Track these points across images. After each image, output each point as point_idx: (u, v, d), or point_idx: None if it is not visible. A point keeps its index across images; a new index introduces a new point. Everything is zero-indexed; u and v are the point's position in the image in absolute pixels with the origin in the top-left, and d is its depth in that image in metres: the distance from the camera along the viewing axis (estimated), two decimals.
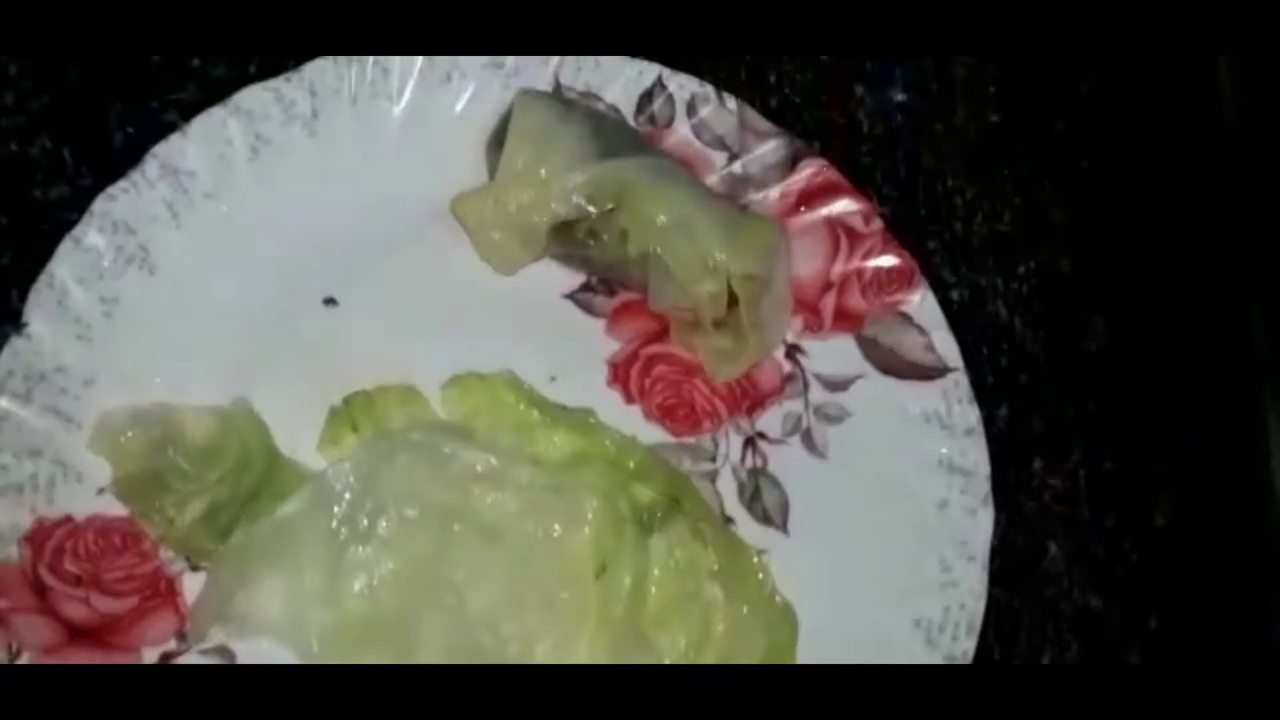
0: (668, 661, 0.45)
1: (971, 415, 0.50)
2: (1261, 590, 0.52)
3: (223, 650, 0.43)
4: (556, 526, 0.46)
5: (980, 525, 0.48)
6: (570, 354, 0.50)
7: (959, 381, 0.50)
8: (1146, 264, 0.58)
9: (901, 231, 0.53)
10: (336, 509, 0.45)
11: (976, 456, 0.49)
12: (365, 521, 0.45)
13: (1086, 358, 0.56)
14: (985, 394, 0.52)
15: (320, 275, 0.49)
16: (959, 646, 0.46)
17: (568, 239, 0.49)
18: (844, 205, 0.52)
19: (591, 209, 0.48)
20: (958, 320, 0.52)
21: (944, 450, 0.49)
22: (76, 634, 0.42)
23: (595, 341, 0.51)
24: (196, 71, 0.52)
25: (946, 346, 0.50)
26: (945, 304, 0.53)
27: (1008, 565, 0.51)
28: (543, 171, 0.48)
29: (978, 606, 0.47)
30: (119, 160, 0.49)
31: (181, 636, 0.43)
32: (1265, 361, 0.54)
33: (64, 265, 0.46)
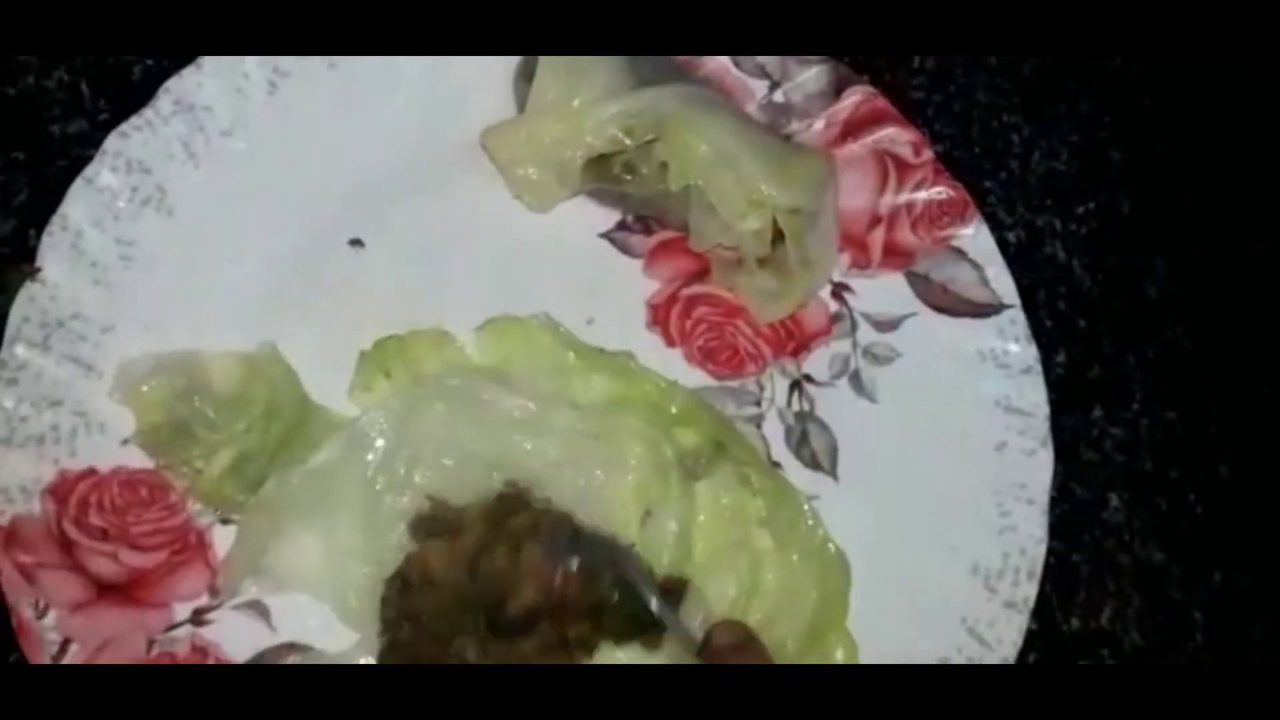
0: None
1: (1029, 353, 0.47)
2: None
3: (257, 605, 0.42)
4: (599, 473, 0.44)
5: (1040, 467, 0.46)
6: (607, 296, 0.48)
7: (1015, 319, 0.48)
8: (1209, 206, 0.55)
9: (955, 169, 0.51)
10: (371, 458, 0.43)
11: (1035, 397, 0.47)
12: (402, 470, 0.43)
13: (1147, 302, 0.54)
14: (1042, 338, 0.50)
15: (345, 215, 0.47)
16: (1020, 592, 0.44)
17: (603, 173, 0.47)
18: (893, 135, 0.50)
19: (629, 141, 0.46)
20: (1014, 262, 0.50)
21: (1000, 390, 0.47)
22: (105, 590, 0.40)
23: (633, 282, 0.49)
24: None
25: (1002, 282, 0.48)
26: (1001, 245, 0.50)
27: (1067, 516, 0.49)
28: (575, 102, 0.46)
29: (1038, 551, 0.45)
30: (138, 94, 0.46)
31: (214, 591, 0.41)
32: None
33: (77, 207, 0.44)
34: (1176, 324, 0.53)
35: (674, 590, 0.42)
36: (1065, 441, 0.50)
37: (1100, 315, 0.53)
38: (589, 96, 0.46)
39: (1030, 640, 0.47)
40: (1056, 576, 0.48)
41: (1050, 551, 0.48)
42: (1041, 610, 0.48)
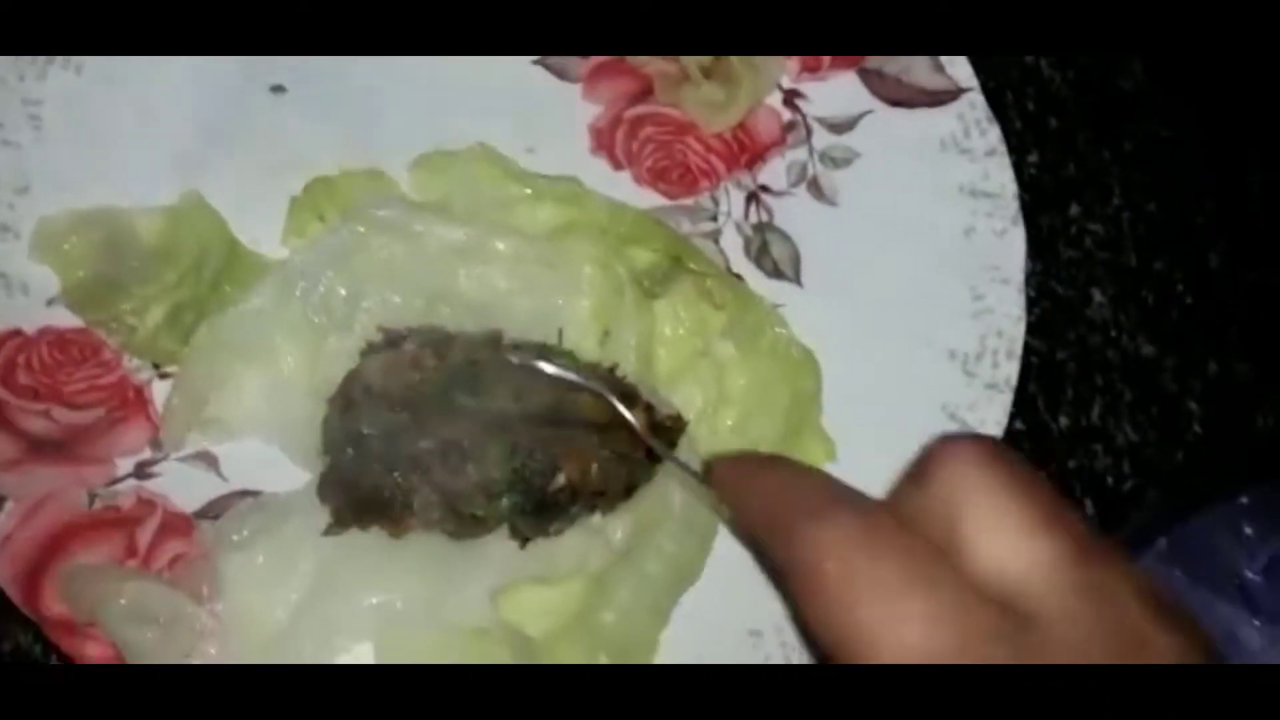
0: (689, 418, 0.41)
1: (992, 135, 0.45)
2: None
3: (204, 455, 0.40)
4: (552, 299, 0.43)
5: (1012, 245, 0.44)
6: (547, 123, 0.46)
7: (975, 102, 0.46)
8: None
9: None
10: (307, 295, 0.41)
11: (1001, 177, 0.45)
12: (342, 307, 0.41)
13: (1122, 96, 0.51)
14: (1012, 140, 0.47)
15: (265, 60, 0.45)
16: (1000, 373, 0.42)
17: None
18: None
19: None
20: (978, 65, 0.47)
21: (965, 176, 0.45)
22: (40, 447, 0.39)
23: (573, 107, 0.46)
24: None
25: (957, 66, 0.46)
26: None
27: (1049, 316, 0.47)
28: None
29: (1017, 330, 0.43)
30: None
31: (157, 445, 0.40)
32: None
33: None
34: (1153, 115, 0.51)
35: (667, 430, 0.40)
36: (1043, 240, 0.48)
37: (1072, 112, 0.50)
38: None
39: (1020, 440, 0.46)
40: (1041, 375, 0.47)
41: (1034, 351, 0.46)
42: (1029, 410, 0.46)
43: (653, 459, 0.39)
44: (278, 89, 0.45)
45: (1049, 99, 0.50)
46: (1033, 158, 0.49)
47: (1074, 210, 0.49)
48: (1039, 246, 0.47)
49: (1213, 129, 0.51)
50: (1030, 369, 0.45)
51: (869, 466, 0.30)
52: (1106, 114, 0.50)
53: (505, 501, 0.37)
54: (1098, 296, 0.48)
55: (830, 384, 0.43)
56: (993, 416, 0.42)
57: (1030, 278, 0.46)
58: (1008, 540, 0.23)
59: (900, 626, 0.22)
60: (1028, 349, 0.45)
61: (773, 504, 0.26)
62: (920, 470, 0.25)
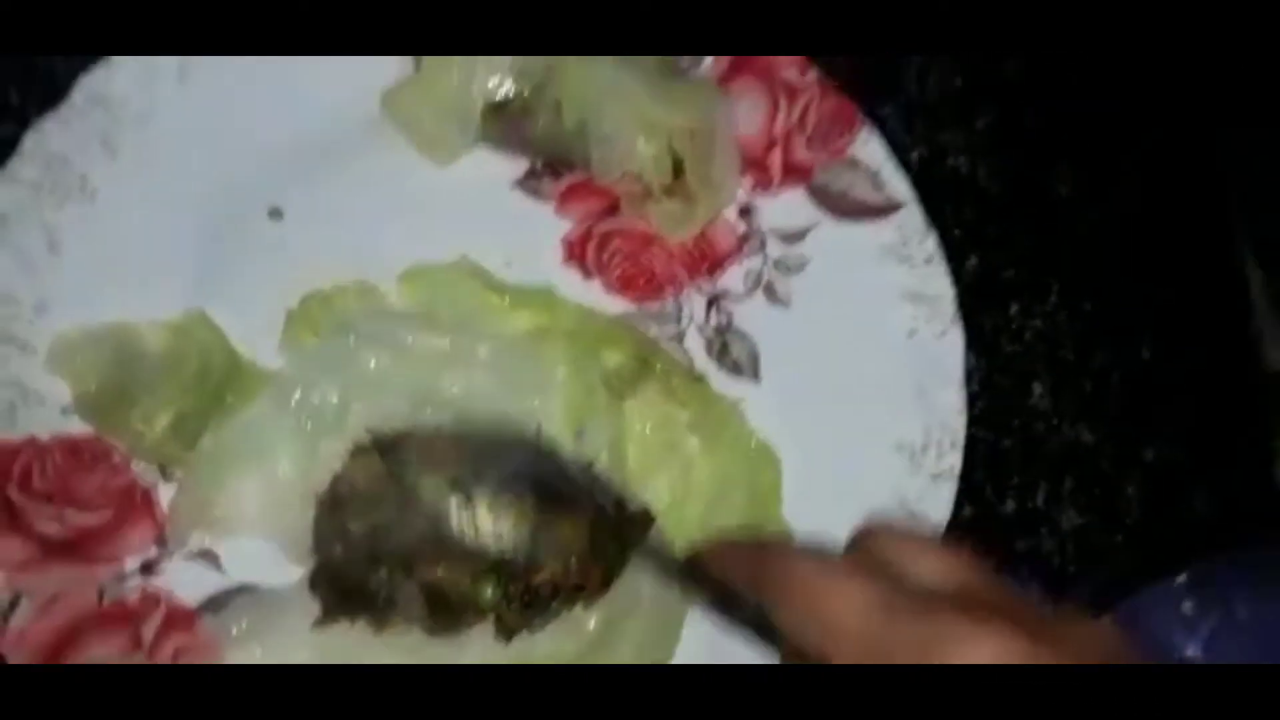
0: (658, 511, 0.44)
1: (929, 244, 0.49)
2: (1256, 414, 0.51)
3: (206, 553, 0.43)
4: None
5: (951, 345, 0.48)
6: (524, 238, 0.50)
7: (912, 214, 0.50)
8: (1111, 105, 0.57)
9: (855, 99, 0.52)
10: (302, 404, 0.44)
11: (939, 284, 0.49)
12: (333, 413, 0.45)
13: (1056, 202, 0.55)
14: (953, 248, 0.52)
15: (263, 187, 0.49)
16: (944, 462, 0.46)
17: (503, 120, 0.49)
18: (778, 61, 0.52)
19: (521, 85, 0.48)
20: (918, 180, 0.52)
21: (905, 282, 0.49)
22: (52, 549, 0.41)
23: (547, 224, 0.50)
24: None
25: (895, 183, 0.50)
26: (904, 165, 0.52)
27: (993, 407, 0.51)
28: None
29: (959, 423, 0.46)
30: (63, 94, 0.48)
31: (162, 544, 0.43)
32: (1238, 194, 0.54)
33: (2, 200, 0.46)
34: (1087, 218, 0.55)
35: (639, 523, 0.43)
36: (985, 338, 0.52)
37: (1009, 219, 0.55)
38: None
39: (969, 525, 0.49)
40: (988, 464, 0.50)
41: (980, 441, 0.49)
42: (977, 496, 0.49)
43: (626, 552, 0.42)
44: (275, 213, 0.49)
45: (986, 206, 0.55)
46: (972, 262, 0.53)
47: (1014, 309, 0.53)
48: (982, 343, 0.51)
49: (1144, 229, 0.55)
50: (977, 458, 0.49)
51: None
52: (1042, 219, 0.55)
53: (489, 594, 0.40)
54: (1038, 388, 0.52)
55: (789, 476, 0.46)
56: (939, 504, 0.45)
57: (974, 372, 0.50)
58: (927, 564, 0.30)
59: (850, 607, 0.28)
60: (974, 439, 0.48)
61: (754, 561, 0.32)
62: (854, 541, 0.32)
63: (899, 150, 0.54)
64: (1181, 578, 0.45)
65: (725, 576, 0.33)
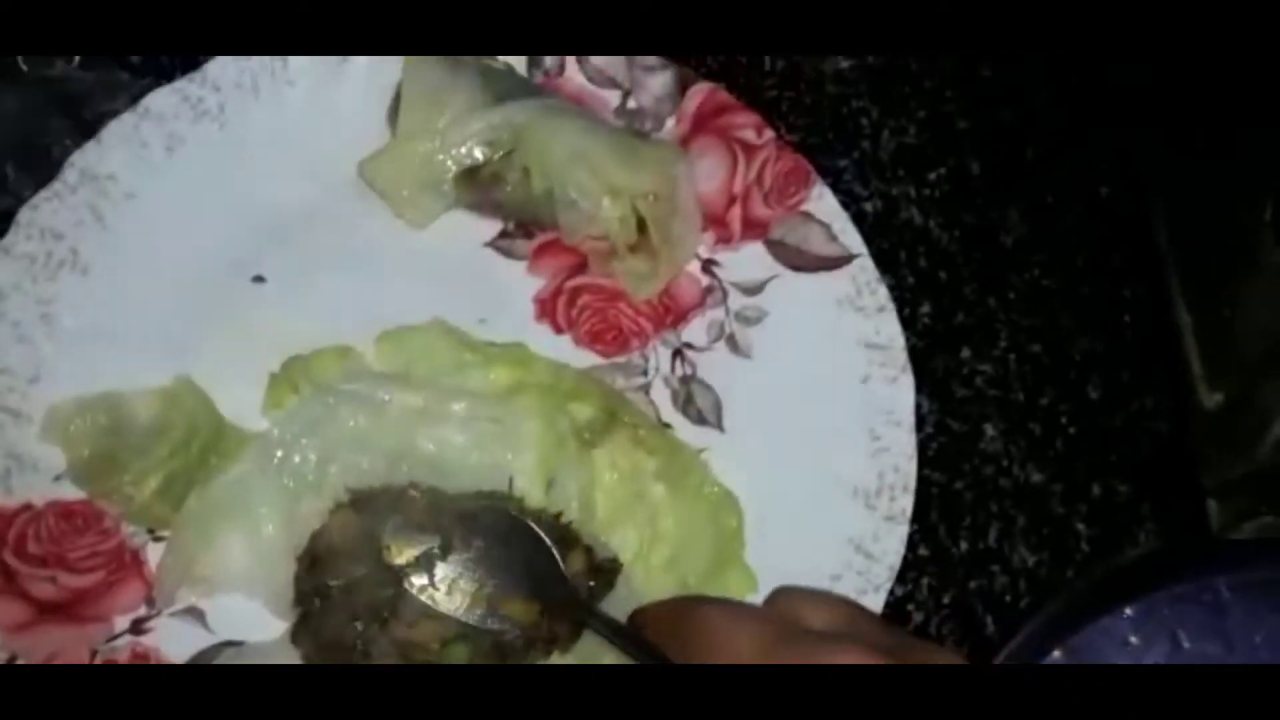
0: (626, 557, 0.46)
1: (881, 294, 0.52)
2: (1190, 448, 0.53)
3: (192, 610, 0.45)
4: (502, 453, 0.48)
5: (902, 392, 0.50)
6: (497, 297, 0.52)
7: (864, 266, 0.52)
8: (1055, 161, 0.60)
9: (811, 155, 0.55)
10: (283, 464, 0.46)
11: (890, 331, 0.51)
12: (313, 472, 0.47)
13: (1004, 250, 0.58)
14: (906, 294, 0.55)
15: (247, 256, 0.52)
16: (897, 505, 0.48)
17: (474, 186, 0.52)
18: (736, 121, 0.55)
19: (491, 152, 0.51)
20: (873, 231, 0.55)
21: (859, 330, 0.51)
22: (47, 610, 0.43)
23: (519, 282, 0.53)
24: (126, 84, 0.54)
25: (849, 235, 0.53)
26: (859, 217, 0.55)
27: (945, 449, 0.53)
28: (440, 123, 0.51)
29: (910, 468, 0.49)
30: (57, 171, 0.51)
31: (150, 602, 0.45)
32: (1170, 235, 0.56)
33: None
34: (1034, 266, 0.58)
35: (605, 572, 0.45)
36: (937, 382, 0.54)
37: (960, 265, 0.57)
38: (451, 117, 0.51)
39: (924, 564, 0.51)
40: (941, 505, 0.52)
41: (932, 484, 0.52)
42: (931, 537, 0.51)
43: (594, 599, 0.44)
44: (258, 279, 0.52)
45: (938, 255, 0.57)
46: (925, 309, 0.56)
47: (965, 353, 0.55)
48: (934, 387, 0.53)
49: (1087, 276, 0.57)
50: (930, 499, 0.51)
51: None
52: (991, 266, 0.57)
53: (460, 649, 0.42)
54: (989, 430, 0.54)
55: (751, 521, 0.48)
56: (893, 545, 0.47)
57: (927, 416, 0.53)
58: (821, 614, 0.35)
59: (750, 642, 0.33)
60: (928, 481, 0.51)
61: (674, 616, 0.38)
62: (768, 599, 0.38)
63: (853, 203, 0.56)
64: (1128, 611, 0.47)
65: (656, 638, 0.38)
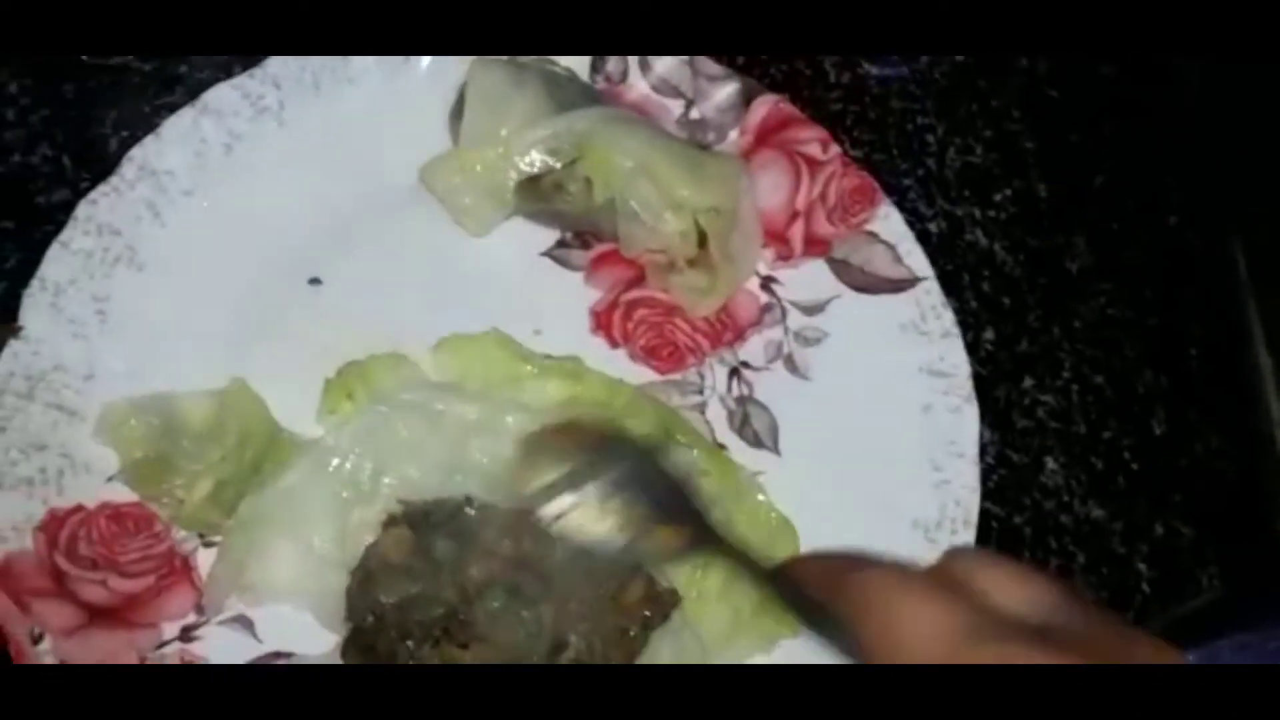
0: (676, 586, 0.45)
1: (946, 319, 0.51)
2: (1263, 493, 0.52)
3: (241, 619, 0.44)
4: None
5: (966, 422, 0.49)
6: (552, 308, 0.52)
7: (930, 289, 0.51)
8: (1123, 188, 0.59)
9: (875, 171, 0.54)
10: (337, 473, 0.46)
11: (955, 359, 0.50)
12: (368, 482, 0.46)
13: (1069, 277, 0.57)
14: (969, 319, 0.54)
15: (303, 257, 0.51)
16: (958, 539, 0.47)
17: (535, 194, 0.51)
18: (801, 135, 0.54)
19: (553, 161, 0.50)
20: (937, 252, 0.54)
21: (923, 357, 0.50)
22: (97, 614, 0.43)
23: (576, 293, 0.52)
24: (183, 76, 0.54)
25: (914, 257, 0.52)
26: (923, 236, 0.54)
27: (1005, 482, 0.52)
28: (503, 131, 0.50)
29: (972, 501, 0.47)
30: (115, 163, 0.50)
31: (200, 609, 0.44)
32: (1249, 269, 0.55)
33: (54, 268, 0.48)
34: (1099, 294, 0.56)
35: (662, 603, 0.44)
36: (999, 412, 0.53)
37: (1024, 292, 0.56)
38: (514, 125, 0.50)
39: None
40: (1000, 540, 0.51)
41: (992, 517, 0.50)
42: None
43: (648, 630, 0.43)
44: (315, 281, 0.51)
45: (1003, 280, 0.56)
46: (988, 335, 0.54)
47: (1027, 383, 0.54)
48: (995, 417, 0.52)
49: (1154, 308, 0.56)
50: (990, 533, 0.50)
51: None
52: (1056, 294, 0.56)
53: None
54: (1050, 464, 0.53)
55: (804, 545, 0.47)
56: None
57: (988, 446, 0.51)
58: (1012, 591, 0.29)
59: (930, 631, 0.28)
60: (987, 514, 0.49)
61: (835, 571, 0.32)
62: (940, 562, 0.32)
63: (917, 222, 0.55)
64: (1189, 658, 0.45)
65: (807, 588, 0.33)
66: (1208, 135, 0.58)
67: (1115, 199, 0.58)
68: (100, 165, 0.51)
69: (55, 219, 0.50)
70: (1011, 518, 0.51)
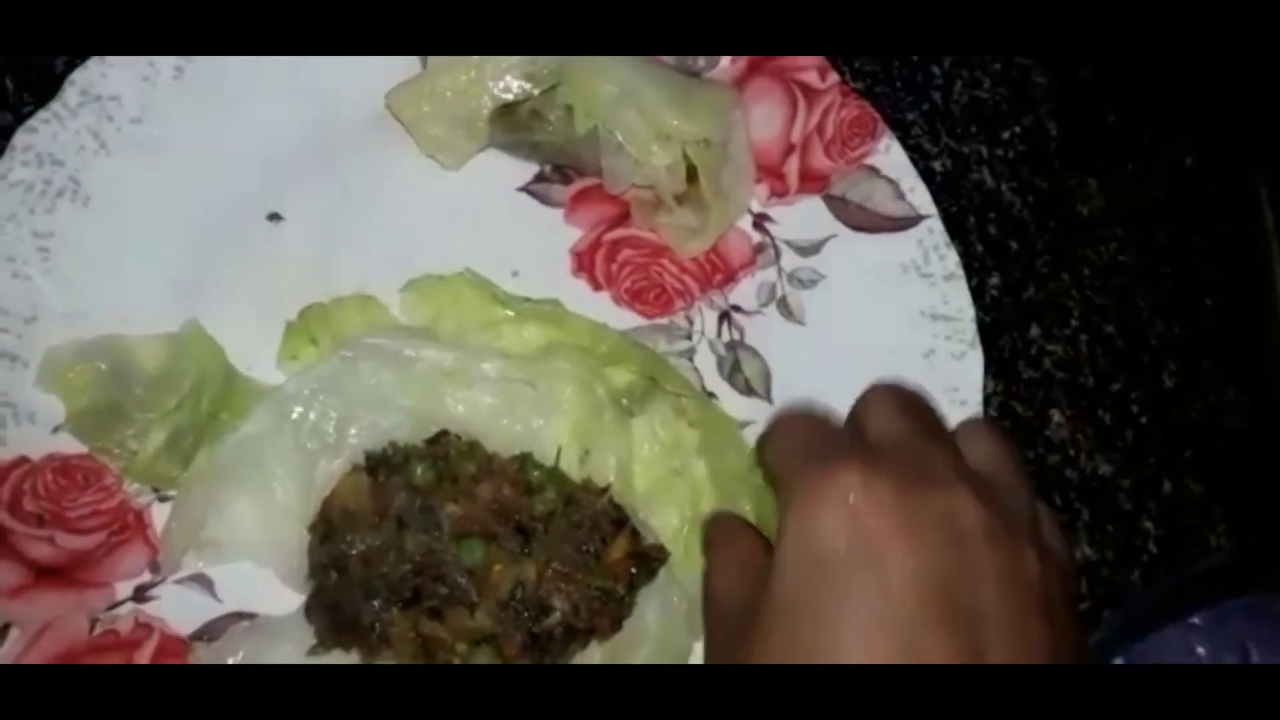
0: (662, 541, 0.43)
1: (950, 260, 0.48)
2: (1277, 450, 0.50)
3: (200, 578, 0.42)
4: (535, 419, 0.45)
5: (970, 369, 0.46)
6: (531, 247, 0.48)
7: (933, 228, 0.48)
8: (1138, 125, 0.55)
9: (877, 104, 0.50)
10: (300, 422, 0.43)
11: (959, 301, 0.47)
12: (333, 431, 0.43)
13: (1080, 221, 0.53)
14: (974, 263, 0.51)
15: (261, 191, 0.47)
16: None
17: (512, 123, 0.47)
18: (798, 63, 0.50)
19: (531, 87, 0.46)
20: (942, 190, 0.50)
21: (925, 300, 0.47)
22: (44, 574, 0.40)
23: (555, 232, 0.49)
24: None
25: (917, 194, 0.49)
26: (927, 174, 0.51)
27: (1009, 434, 0.49)
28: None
29: None
30: (57, 89, 0.46)
31: (155, 568, 0.42)
32: (1271, 221, 0.52)
33: None
34: (1111, 240, 0.53)
35: (648, 560, 0.42)
36: (1004, 361, 0.50)
37: (1032, 236, 0.53)
38: None
39: None
40: None
41: None
42: None
43: (634, 590, 0.40)
44: (274, 217, 0.48)
45: (1010, 223, 0.53)
46: (994, 280, 0.51)
47: (1034, 331, 0.51)
48: (1000, 366, 0.50)
49: (1168, 255, 0.53)
50: None
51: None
52: (1065, 238, 0.53)
53: (487, 652, 0.38)
54: (1056, 416, 0.50)
55: None
56: None
57: (991, 397, 0.49)
58: (881, 421, 0.35)
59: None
60: None
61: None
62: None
63: (921, 160, 0.52)
64: (1196, 619, 0.44)
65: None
66: (1228, 69, 0.55)
67: (1129, 138, 0.55)
68: (44, 88, 0.47)
69: None
70: None
